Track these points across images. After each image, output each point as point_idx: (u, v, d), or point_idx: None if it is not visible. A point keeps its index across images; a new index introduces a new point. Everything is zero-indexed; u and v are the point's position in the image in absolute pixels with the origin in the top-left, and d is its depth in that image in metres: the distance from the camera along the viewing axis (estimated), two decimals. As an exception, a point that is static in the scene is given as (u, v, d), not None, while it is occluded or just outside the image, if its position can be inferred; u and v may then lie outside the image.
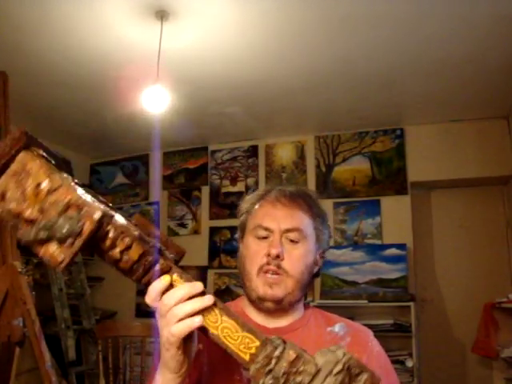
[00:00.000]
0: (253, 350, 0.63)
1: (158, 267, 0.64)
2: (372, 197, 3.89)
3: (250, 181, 4.26)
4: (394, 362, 3.09)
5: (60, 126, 3.90)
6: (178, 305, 0.65)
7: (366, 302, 3.46)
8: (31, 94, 3.28)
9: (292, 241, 0.94)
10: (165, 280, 0.65)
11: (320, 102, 3.48)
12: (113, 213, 0.60)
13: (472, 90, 3.25)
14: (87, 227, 0.55)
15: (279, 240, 0.93)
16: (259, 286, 0.92)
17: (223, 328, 0.65)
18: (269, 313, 0.96)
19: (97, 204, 0.58)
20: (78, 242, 0.55)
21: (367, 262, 3.66)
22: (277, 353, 0.61)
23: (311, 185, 4.04)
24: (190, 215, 4.40)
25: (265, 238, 0.95)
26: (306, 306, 1.03)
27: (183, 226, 4.40)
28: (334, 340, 0.95)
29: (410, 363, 3.17)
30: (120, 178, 4.74)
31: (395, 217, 3.77)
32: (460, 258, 3.73)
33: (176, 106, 3.13)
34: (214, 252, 4.24)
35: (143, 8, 2.37)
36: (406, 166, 3.85)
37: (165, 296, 0.66)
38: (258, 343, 0.63)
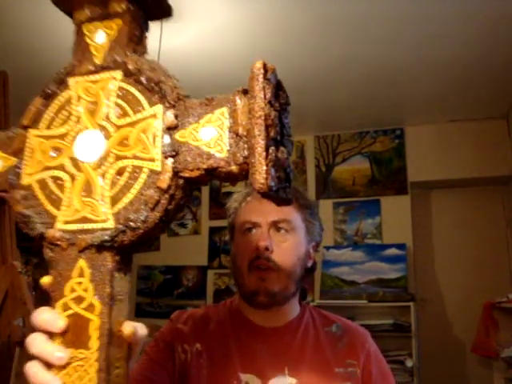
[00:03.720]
0: None
1: None
2: (372, 197, 3.89)
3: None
4: (393, 362, 3.09)
5: (60, 126, 3.90)
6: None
7: (365, 301, 3.45)
8: (32, 94, 3.27)
9: (280, 232, 0.93)
10: (42, 281, 0.48)
11: (320, 102, 3.48)
12: None
13: (472, 90, 3.25)
14: None
15: (267, 233, 0.92)
16: (252, 281, 0.90)
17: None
18: (264, 309, 0.93)
19: None
20: None
21: (367, 261, 3.66)
22: None
23: (311, 185, 4.04)
24: (189, 215, 4.40)
25: (250, 230, 0.93)
26: (302, 305, 1.02)
27: (183, 225, 4.39)
28: (331, 341, 0.95)
29: (409, 363, 3.17)
30: (120, 178, 4.73)
31: (395, 217, 3.77)
32: (460, 258, 3.73)
33: (176, 105, 3.13)
34: (213, 252, 4.24)
35: (143, 8, 2.37)
36: (406, 165, 3.85)
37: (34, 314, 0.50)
38: None
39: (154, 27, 2.10)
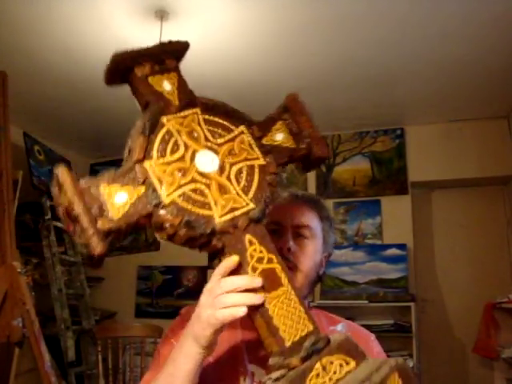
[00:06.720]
0: (288, 344, 0.63)
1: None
2: (372, 197, 3.88)
3: (250, 181, 4.25)
4: (394, 362, 3.08)
5: (60, 126, 3.89)
6: (230, 293, 0.66)
7: (366, 302, 3.45)
8: (31, 94, 3.27)
9: (302, 237, 0.97)
10: (233, 260, 0.67)
11: (320, 101, 3.48)
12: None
13: (472, 90, 3.25)
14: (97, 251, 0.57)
15: (290, 235, 0.96)
16: None
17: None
18: None
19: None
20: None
21: (367, 262, 3.66)
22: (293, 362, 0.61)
23: (311, 185, 4.03)
24: (189, 215, 4.39)
25: (274, 232, 0.96)
26: (309, 306, 1.04)
27: (183, 226, 4.38)
28: None
29: (410, 364, 3.17)
30: (120, 178, 4.72)
31: (395, 217, 3.76)
32: (460, 258, 3.73)
33: (176, 105, 3.12)
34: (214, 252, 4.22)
35: (143, 8, 2.37)
36: (407, 165, 3.85)
37: (223, 280, 0.67)
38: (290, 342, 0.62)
39: (154, 27, 2.11)
